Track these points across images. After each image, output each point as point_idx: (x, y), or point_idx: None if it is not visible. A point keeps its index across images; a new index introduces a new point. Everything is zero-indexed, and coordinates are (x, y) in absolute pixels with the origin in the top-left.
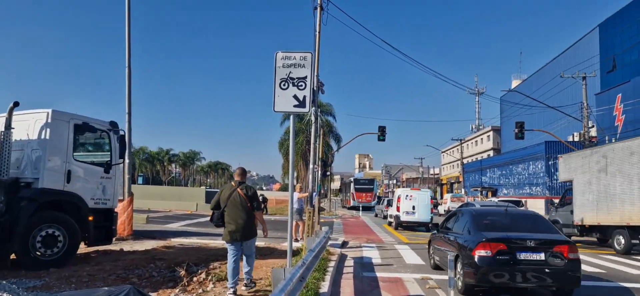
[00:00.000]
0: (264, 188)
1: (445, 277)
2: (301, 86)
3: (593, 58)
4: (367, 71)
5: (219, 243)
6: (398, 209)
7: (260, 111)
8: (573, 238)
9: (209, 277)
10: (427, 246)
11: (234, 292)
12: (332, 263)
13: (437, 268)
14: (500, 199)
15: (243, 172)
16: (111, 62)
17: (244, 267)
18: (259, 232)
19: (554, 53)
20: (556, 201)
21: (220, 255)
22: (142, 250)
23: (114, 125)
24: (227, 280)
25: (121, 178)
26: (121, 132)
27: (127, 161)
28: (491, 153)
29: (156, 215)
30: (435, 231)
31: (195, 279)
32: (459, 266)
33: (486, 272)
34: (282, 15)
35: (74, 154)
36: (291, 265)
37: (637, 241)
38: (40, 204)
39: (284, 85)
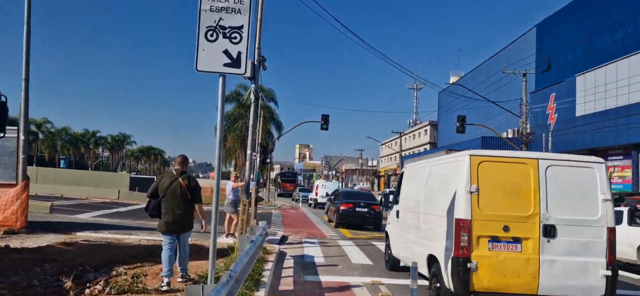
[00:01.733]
0: (201, 176)
1: (399, 281)
2: (235, 38)
3: (528, 57)
4: (310, 56)
5: (134, 239)
6: (316, 194)
7: (197, 95)
8: None
9: (108, 289)
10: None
11: (168, 284)
12: (270, 265)
13: (330, 221)
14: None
15: (184, 160)
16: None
17: (178, 265)
18: (196, 225)
19: (491, 53)
20: None
21: (131, 255)
22: (35, 246)
23: None
24: (163, 277)
25: (14, 158)
26: (2, 99)
27: (22, 137)
28: (428, 147)
29: (66, 203)
30: (329, 201)
31: (87, 291)
32: (335, 215)
33: (345, 216)
34: None
35: None
36: (213, 280)
37: None
38: None
39: (212, 36)
